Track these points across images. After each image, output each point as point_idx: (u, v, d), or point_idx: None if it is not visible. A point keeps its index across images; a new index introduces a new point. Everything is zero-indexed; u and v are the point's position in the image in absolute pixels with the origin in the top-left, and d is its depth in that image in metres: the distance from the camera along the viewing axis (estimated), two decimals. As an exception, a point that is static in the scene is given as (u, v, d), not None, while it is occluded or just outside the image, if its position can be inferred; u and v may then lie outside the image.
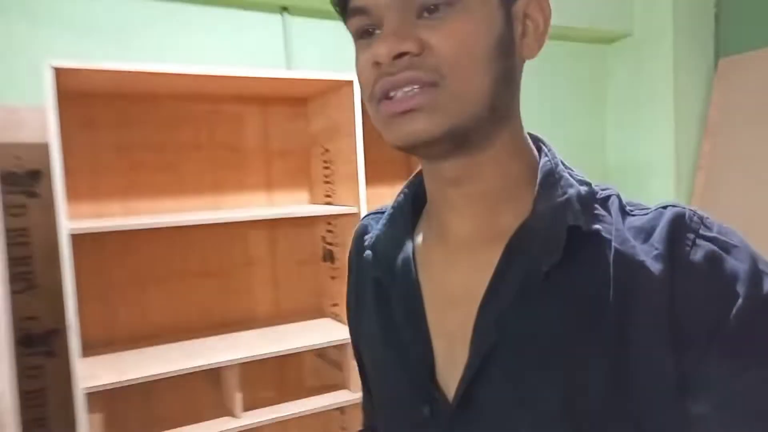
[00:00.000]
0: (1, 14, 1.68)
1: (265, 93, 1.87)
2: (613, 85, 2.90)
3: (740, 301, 0.45)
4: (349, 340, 1.64)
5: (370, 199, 1.87)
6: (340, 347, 1.77)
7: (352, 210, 1.73)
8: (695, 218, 0.49)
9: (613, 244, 0.49)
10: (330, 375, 1.88)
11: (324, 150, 1.91)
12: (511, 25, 0.50)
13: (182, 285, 1.83)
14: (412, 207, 0.61)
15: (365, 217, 0.70)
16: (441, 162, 0.53)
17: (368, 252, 0.62)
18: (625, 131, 2.87)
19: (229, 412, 1.61)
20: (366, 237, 0.64)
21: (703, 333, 0.45)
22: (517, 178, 0.53)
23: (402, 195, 0.62)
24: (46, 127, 1.65)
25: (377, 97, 0.50)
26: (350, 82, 1.70)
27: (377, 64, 0.48)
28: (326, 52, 2.13)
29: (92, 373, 1.43)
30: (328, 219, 1.93)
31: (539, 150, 0.56)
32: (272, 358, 1.61)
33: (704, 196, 2.70)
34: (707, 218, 0.49)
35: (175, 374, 1.47)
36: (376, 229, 0.63)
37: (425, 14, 0.47)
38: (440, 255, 0.57)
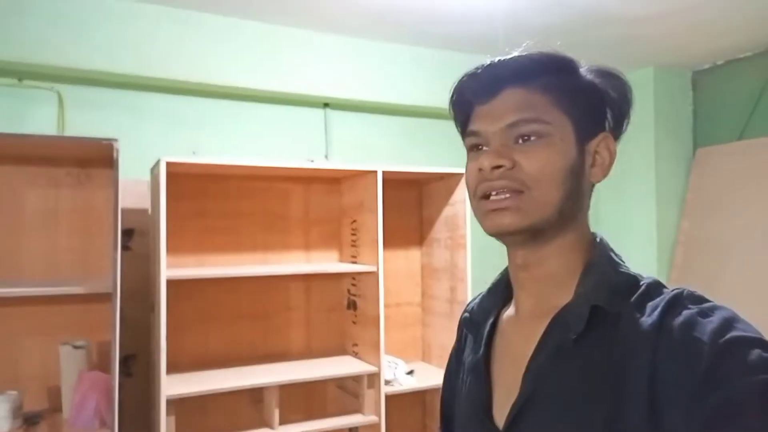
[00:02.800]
0: (106, 112, 2.25)
1: (308, 175, 2.38)
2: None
3: (703, 353, 0.54)
4: (367, 373, 2.07)
5: (387, 260, 2.33)
6: (357, 378, 2.20)
7: (372, 269, 2.19)
8: (690, 297, 0.61)
9: (626, 321, 0.61)
10: (347, 401, 2.30)
11: (352, 220, 2.40)
12: (583, 156, 0.67)
13: (235, 324, 2.30)
14: (507, 286, 0.76)
15: (481, 293, 0.85)
16: (517, 249, 0.69)
17: (466, 314, 0.81)
18: (616, 209, 3.26)
19: (268, 425, 2.05)
20: (470, 305, 0.82)
21: (677, 384, 0.55)
22: (573, 268, 0.68)
23: (500, 275, 0.79)
24: (141, 196, 2.16)
25: (478, 195, 0.67)
26: (374, 172, 2.19)
27: (481, 170, 0.65)
28: (358, 138, 2.66)
29: (169, 387, 1.89)
30: (352, 275, 2.40)
31: (595, 245, 0.70)
32: (302, 384, 2.04)
33: (682, 267, 3.07)
34: (702, 298, 0.61)
35: (228, 390, 1.92)
36: (478, 299, 0.81)
37: (520, 141, 0.65)
38: (512, 323, 0.73)
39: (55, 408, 1.65)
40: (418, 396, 2.55)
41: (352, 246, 2.40)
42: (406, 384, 2.25)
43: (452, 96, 0.72)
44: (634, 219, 3.22)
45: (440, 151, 2.78)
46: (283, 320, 2.39)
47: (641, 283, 0.65)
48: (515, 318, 0.73)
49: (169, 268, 2.11)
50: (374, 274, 2.19)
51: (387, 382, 2.20)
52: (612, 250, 0.70)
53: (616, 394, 0.58)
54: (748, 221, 2.84)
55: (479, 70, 0.68)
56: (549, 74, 0.66)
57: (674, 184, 3.19)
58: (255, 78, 2.41)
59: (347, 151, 2.63)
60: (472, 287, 2.36)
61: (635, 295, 0.63)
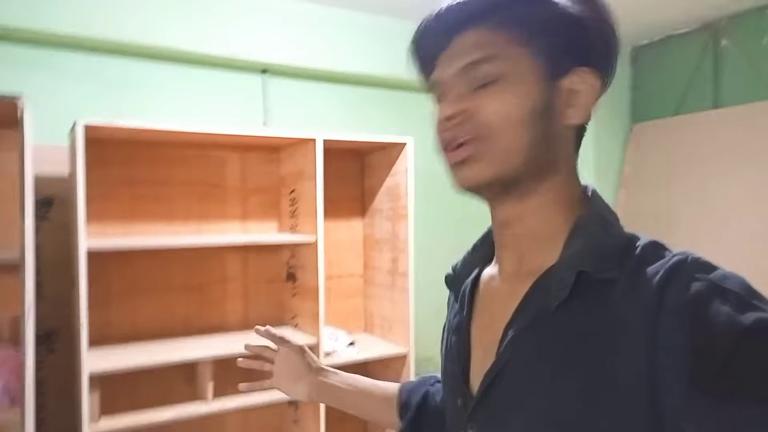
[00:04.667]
0: (27, 72, 2.09)
1: (245, 142, 2.29)
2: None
3: (719, 337, 0.47)
4: (305, 345, 2.02)
5: (328, 231, 2.28)
6: (296, 352, 2.15)
7: (311, 239, 2.14)
8: (695, 264, 0.53)
9: (618, 289, 0.55)
10: (287, 376, 2.25)
11: (291, 190, 2.33)
12: (553, 96, 0.60)
13: (168, 296, 2.21)
14: (492, 243, 0.72)
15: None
16: (496, 205, 0.65)
17: (450, 271, 0.78)
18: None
19: (202, 399, 1.98)
20: (455, 262, 0.78)
21: (684, 371, 0.48)
22: (557, 226, 0.62)
23: (487, 230, 0.74)
24: (61, 163, 2.02)
25: (440, 148, 0.63)
26: (313, 140, 2.12)
27: (439, 123, 0.62)
28: (298, 107, 2.57)
29: (93, 363, 1.79)
30: (292, 246, 2.34)
31: (587, 202, 0.64)
32: (239, 357, 1.98)
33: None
34: (709, 265, 0.53)
35: (159, 365, 1.84)
36: (462, 257, 0.77)
37: (478, 87, 0.60)
38: (494, 282, 0.69)
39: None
40: (360, 367, 2.53)
41: (291, 217, 2.33)
42: (346, 356, 2.22)
43: (410, 49, 0.66)
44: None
45: (384, 122, 2.73)
46: (219, 293, 2.31)
47: (637, 244, 0.58)
48: (497, 277, 0.69)
49: (93, 238, 1.99)
50: (314, 245, 2.14)
51: (327, 354, 2.16)
52: (605, 207, 0.64)
53: (598, 370, 0.53)
54: (685, 194, 2.94)
55: (434, 15, 0.62)
56: (508, 9, 0.59)
57: (612, 158, 3.26)
58: (188, 39, 2.28)
59: (287, 120, 2.54)
60: (415, 258, 2.34)
61: (631, 260, 0.56)
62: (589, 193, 0.64)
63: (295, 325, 2.32)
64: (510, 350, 0.60)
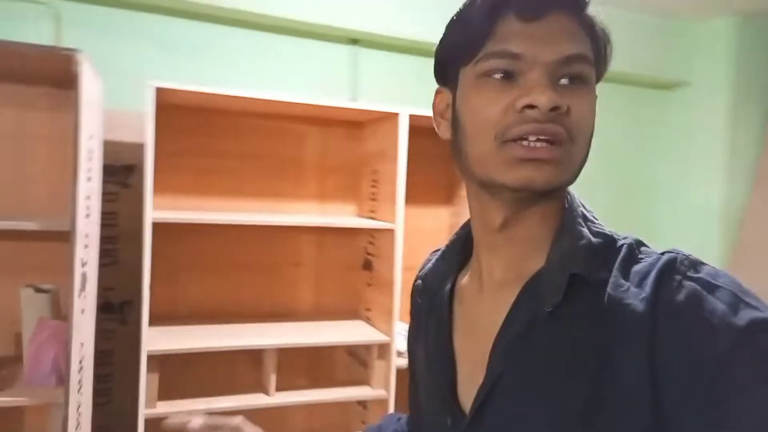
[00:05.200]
0: (110, 35, 2.02)
1: (327, 116, 2.11)
2: (669, 132, 2.95)
3: (717, 337, 0.46)
4: (377, 342, 1.85)
5: (408, 219, 2.07)
6: (368, 347, 1.97)
7: (390, 226, 1.93)
8: (686, 262, 0.52)
9: (609, 290, 0.53)
10: (356, 371, 2.09)
11: (373, 171, 2.13)
12: None
13: (237, 275, 2.09)
14: (464, 248, 0.69)
15: (432, 252, 0.77)
16: (506, 208, 0.59)
17: (419, 282, 0.74)
18: (676, 179, 2.91)
19: (264, 390, 1.85)
20: (422, 270, 0.74)
21: (684, 371, 0.47)
22: (548, 229, 0.60)
23: (455, 236, 0.71)
24: (142, 130, 1.96)
25: (508, 138, 0.54)
26: (397, 114, 1.91)
27: (529, 107, 0.53)
28: (390, 81, 2.36)
29: (155, 340, 1.70)
30: (370, 232, 2.15)
31: (566, 202, 0.61)
32: (307, 348, 1.83)
33: (750, 249, 2.71)
34: (699, 262, 0.52)
35: (222, 350, 1.72)
36: (430, 263, 0.73)
37: (563, 81, 0.54)
38: (474, 291, 0.65)
39: (19, 357, 1.48)
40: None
41: (371, 200, 2.14)
42: (421, 356, 2.01)
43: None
44: (697, 191, 2.85)
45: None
46: (290, 276, 2.17)
47: (619, 244, 0.57)
48: (477, 285, 0.65)
49: (161, 210, 1.90)
50: (392, 233, 1.93)
51: (399, 354, 1.96)
52: (582, 205, 0.61)
53: (600, 377, 0.51)
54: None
55: None
56: (588, 12, 0.57)
57: (748, 153, 2.78)
58: (274, 4, 2.13)
59: (377, 95, 2.34)
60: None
61: (617, 260, 0.55)
62: (566, 194, 0.61)
63: (368, 319, 2.13)
64: (503, 361, 0.57)
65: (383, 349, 1.94)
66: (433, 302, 0.69)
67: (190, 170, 2.03)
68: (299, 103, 1.82)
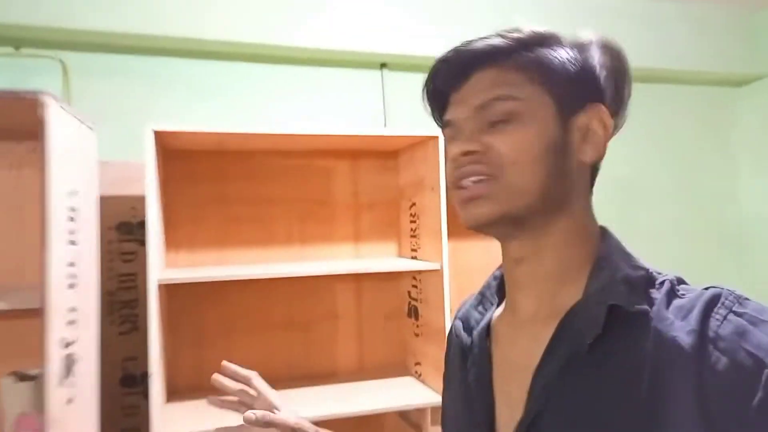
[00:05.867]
0: (121, 83, 1.88)
1: (356, 147, 1.90)
2: (742, 131, 2.60)
3: (763, 371, 0.47)
4: (431, 405, 1.57)
5: (453, 254, 1.80)
6: (421, 410, 1.69)
7: (435, 266, 1.67)
8: (731, 297, 0.53)
9: (653, 323, 0.53)
10: (410, 438, 1.79)
11: (411, 203, 1.89)
12: (568, 133, 0.60)
13: (268, 335, 1.86)
14: (501, 288, 0.70)
15: (470, 295, 0.77)
16: (508, 242, 0.63)
17: (458, 321, 0.73)
18: (760, 180, 2.54)
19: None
20: (461, 310, 0.74)
21: (731, 406, 0.47)
22: (576, 263, 0.60)
23: (492, 276, 0.73)
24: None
25: (453, 186, 0.62)
26: (436, 138, 1.67)
27: (453, 159, 0.61)
28: (420, 106, 2.13)
29: (174, 419, 1.48)
30: (412, 274, 1.89)
31: (603, 238, 0.63)
32: (352, 416, 1.57)
33: None
34: (744, 298, 0.53)
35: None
36: (468, 304, 0.73)
37: (494, 125, 0.59)
38: (509, 328, 0.65)
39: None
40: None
41: (412, 237, 1.88)
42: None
43: (425, 87, 0.67)
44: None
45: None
46: (327, 331, 1.92)
47: (661, 279, 0.57)
48: (512, 322, 0.65)
49: (180, 267, 1.71)
50: (438, 273, 1.67)
51: (459, 415, 1.66)
52: (620, 243, 0.62)
53: (649, 413, 0.50)
54: None
55: (449, 56, 0.63)
56: (523, 51, 0.60)
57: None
58: (293, 35, 1.95)
59: (408, 120, 2.11)
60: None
61: (659, 294, 0.55)
62: (606, 232, 0.64)
63: (418, 375, 1.85)
64: (542, 400, 0.56)
65: (437, 413, 1.65)
66: (472, 341, 0.68)
67: (210, 221, 1.83)
68: (327, 135, 1.60)
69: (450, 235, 1.66)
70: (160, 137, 1.42)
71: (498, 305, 0.69)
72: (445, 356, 0.78)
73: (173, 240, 1.77)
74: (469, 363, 0.67)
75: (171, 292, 1.72)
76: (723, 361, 0.48)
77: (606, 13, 2.30)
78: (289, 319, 1.89)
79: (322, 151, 1.91)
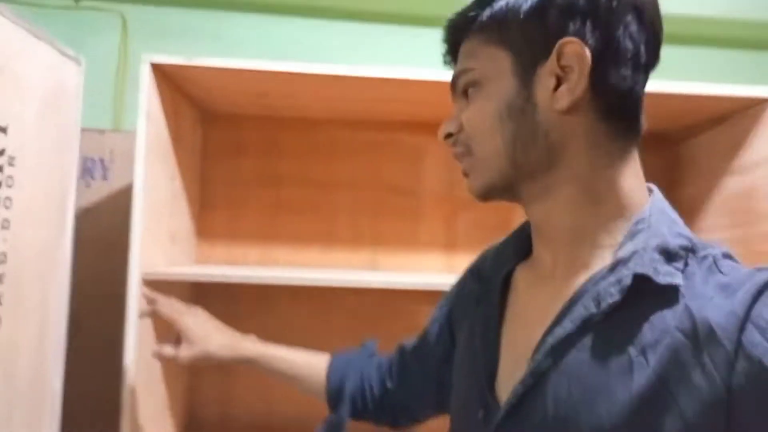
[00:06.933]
0: (193, 38, 1.56)
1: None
2: None
3: None
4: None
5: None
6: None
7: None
8: None
9: (684, 299, 0.49)
10: None
11: (528, 198, 1.35)
12: (531, 85, 0.55)
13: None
14: (528, 239, 0.65)
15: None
16: (521, 205, 0.62)
17: (478, 263, 0.75)
18: None
19: None
20: (485, 254, 0.75)
21: (763, 391, 0.44)
22: (602, 223, 0.56)
23: (521, 226, 0.69)
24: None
25: None
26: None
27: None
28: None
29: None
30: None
31: (647, 199, 0.58)
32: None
33: None
34: None
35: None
36: (494, 248, 0.73)
37: (467, 102, 0.61)
38: (530, 281, 0.64)
39: None
40: None
41: (528, 244, 1.34)
42: None
43: (445, 63, 0.67)
44: None
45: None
46: (402, 366, 1.42)
47: (704, 253, 0.53)
48: (535, 276, 0.63)
49: (215, 263, 1.31)
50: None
51: None
52: (667, 205, 0.57)
53: (656, 392, 0.47)
54: None
55: (443, 34, 0.64)
56: (483, 12, 0.57)
57: None
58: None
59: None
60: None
61: (698, 268, 0.51)
62: (653, 189, 0.59)
63: None
64: (549, 359, 0.54)
65: None
66: (489, 286, 0.67)
67: (255, 207, 1.43)
68: (436, 82, 1.10)
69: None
70: (197, 100, 1.02)
71: (523, 256, 0.67)
72: (455, 292, 0.80)
73: (207, 228, 1.37)
74: (479, 309, 0.67)
75: (200, 293, 1.33)
76: (760, 345, 0.44)
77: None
78: (353, 343, 1.41)
79: (406, 121, 1.44)
